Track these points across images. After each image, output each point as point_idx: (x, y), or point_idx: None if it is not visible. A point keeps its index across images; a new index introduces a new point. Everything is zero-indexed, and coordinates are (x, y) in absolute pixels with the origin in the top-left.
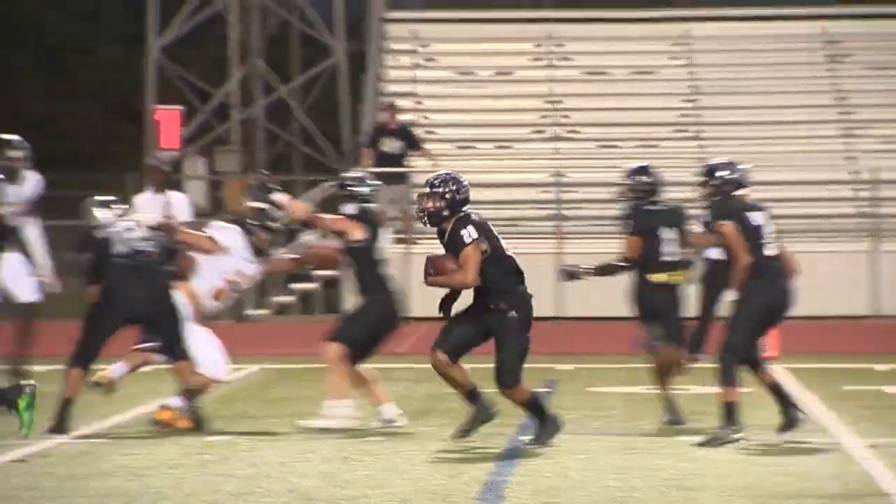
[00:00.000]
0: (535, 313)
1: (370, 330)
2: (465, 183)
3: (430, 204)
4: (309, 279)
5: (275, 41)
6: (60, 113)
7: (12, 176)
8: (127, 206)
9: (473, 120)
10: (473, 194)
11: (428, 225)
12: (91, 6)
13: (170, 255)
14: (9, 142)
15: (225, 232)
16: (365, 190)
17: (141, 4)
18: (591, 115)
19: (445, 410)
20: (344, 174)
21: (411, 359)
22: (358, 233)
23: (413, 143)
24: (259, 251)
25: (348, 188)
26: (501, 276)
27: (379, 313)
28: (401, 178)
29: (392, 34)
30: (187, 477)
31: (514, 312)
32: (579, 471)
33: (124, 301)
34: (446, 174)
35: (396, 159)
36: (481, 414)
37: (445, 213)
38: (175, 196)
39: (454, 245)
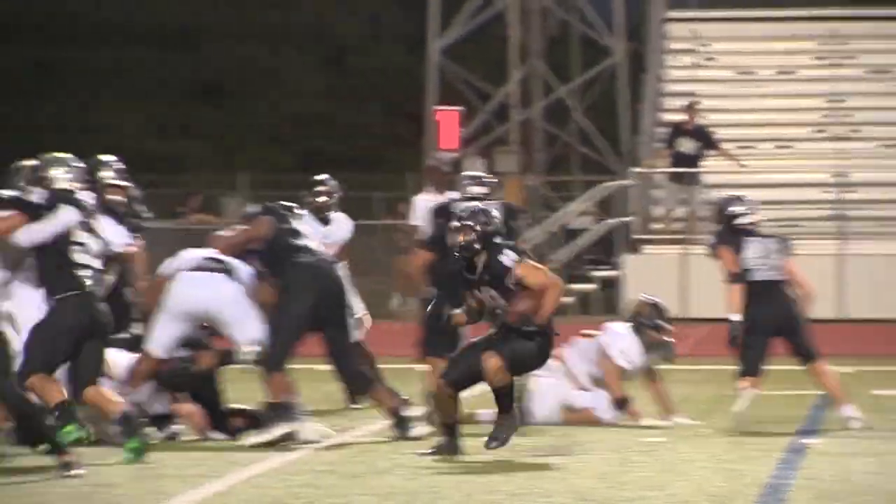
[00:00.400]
0: (816, 315)
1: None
2: (495, 214)
3: (461, 237)
4: (588, 280)
5: (554, 42)
6: (340, 113)
7: (321, 215)
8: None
9: (753, 119)
10: (753, 194)
11: (463, 259)
12: (373, 7)
13: None
14: (321, 181)
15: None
16: None
17: (422, 6)
18: (875, 114)
19: (728, 412)
20: None
21: (692, 360)
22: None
23: (710, 143)
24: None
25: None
26: None
27: None
28: (694, 179)
29: (672, 34)
30: (467, 477)
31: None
32: (863, 474)
33: None
34: (475, 206)
35: (692, 160)
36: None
37: (477, 245)
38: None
39: (495, 275)
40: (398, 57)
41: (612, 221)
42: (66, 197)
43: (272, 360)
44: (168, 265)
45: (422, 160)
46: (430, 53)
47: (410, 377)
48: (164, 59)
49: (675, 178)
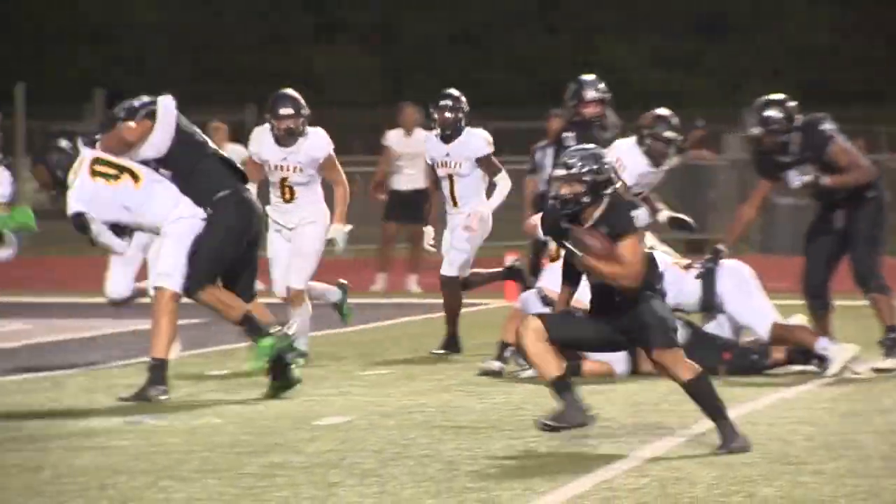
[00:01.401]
0: None
1: None
2: (608, 158)
3: (565, 190)
4: None
5: None
6: (845, 46)
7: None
8: None
9: None
10: None
11: (566, 219)
12: None
13: None
14: (664, 118)
15: None
16: None
17: None
18: None
19: None
20: None
21: None
22: None
23: None
24: None
25: None
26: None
27: None
28: None
29: None
30: None
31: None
32: None
33: None
34: (582, 149)
35: None
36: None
37: (586, 199)
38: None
39: (614, 229)
40: None
41: None
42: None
43: None
44: None
45: None
46: None
47: None
48: None
49: None
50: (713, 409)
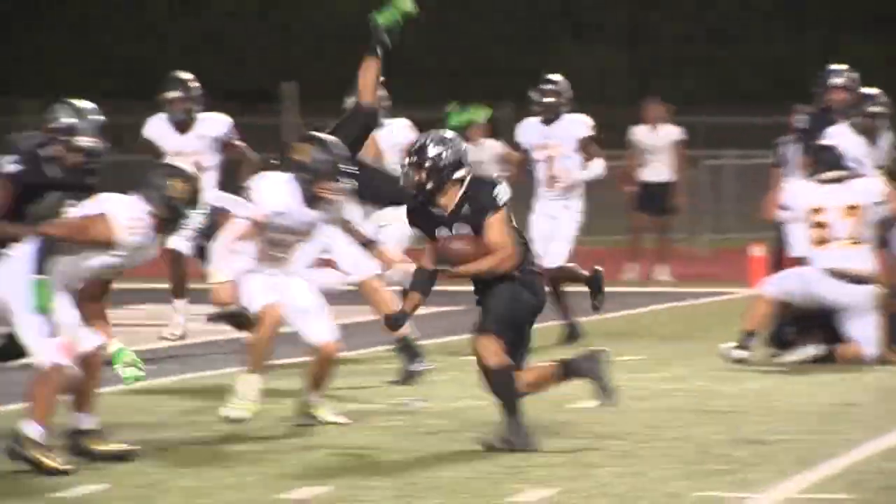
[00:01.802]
0: None
1: None
2: (454, 139)
3: (415, 178)
4: None
5: None
6: None
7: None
8: None
9: None
10: None
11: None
12: None
13: None
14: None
15: None
16: None
17: None
18: None
19: None
20: None
21: None
22: None
23: None
24: None
25: None
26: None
27: None
28: None
29: None
30: None
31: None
32: None
33: None
34: (429, 135)
35: None
36: None
37: (430, 184)
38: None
39: (475, 213)
40: None
41: None
42: None
43: None
44: None
45: None
46: None
47: None
48: None
49: None
50: (509, 404)
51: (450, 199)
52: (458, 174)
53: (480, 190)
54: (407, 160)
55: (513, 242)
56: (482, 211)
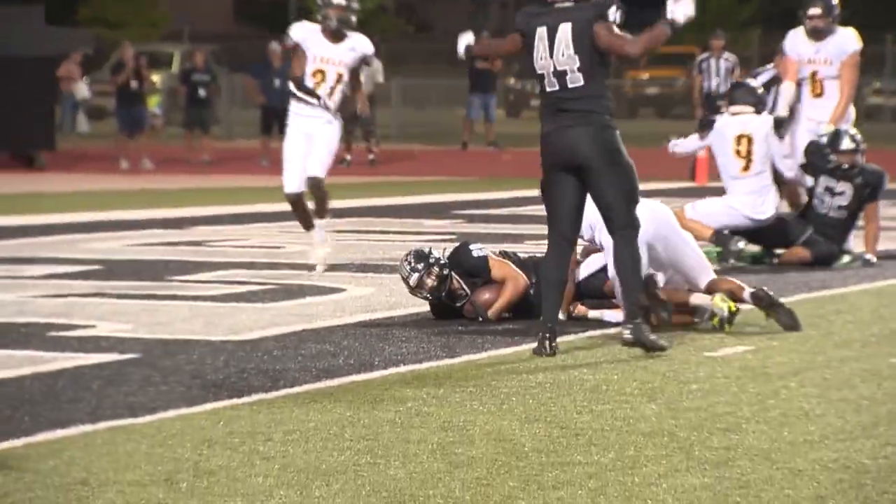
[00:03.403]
0: None
1: None
2: (431, 253)
3: (430, 284)
4: None
5: None
6: None
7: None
8: None
9: None
10: None
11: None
12: None
13: None
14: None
15: None
16: None
17: None
18: None
19: None
20: None
21: None
22: None
23: None
24: None
25: None
26: None
27: None
28: None
29: None
30: None
31: None
32: None
33: None
34: (409, 256)
35: None
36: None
37: (442, 289)
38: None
39: (471, 274)
40: None
41: None
42: None
43: None
44: None
45: None
46: None
47: None
48: None
49: None
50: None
51: (455, 285)
52: (446, 269)
53: (464, 259)
54: (415, 275)
55: (518, 271)
56: (477, 270)
